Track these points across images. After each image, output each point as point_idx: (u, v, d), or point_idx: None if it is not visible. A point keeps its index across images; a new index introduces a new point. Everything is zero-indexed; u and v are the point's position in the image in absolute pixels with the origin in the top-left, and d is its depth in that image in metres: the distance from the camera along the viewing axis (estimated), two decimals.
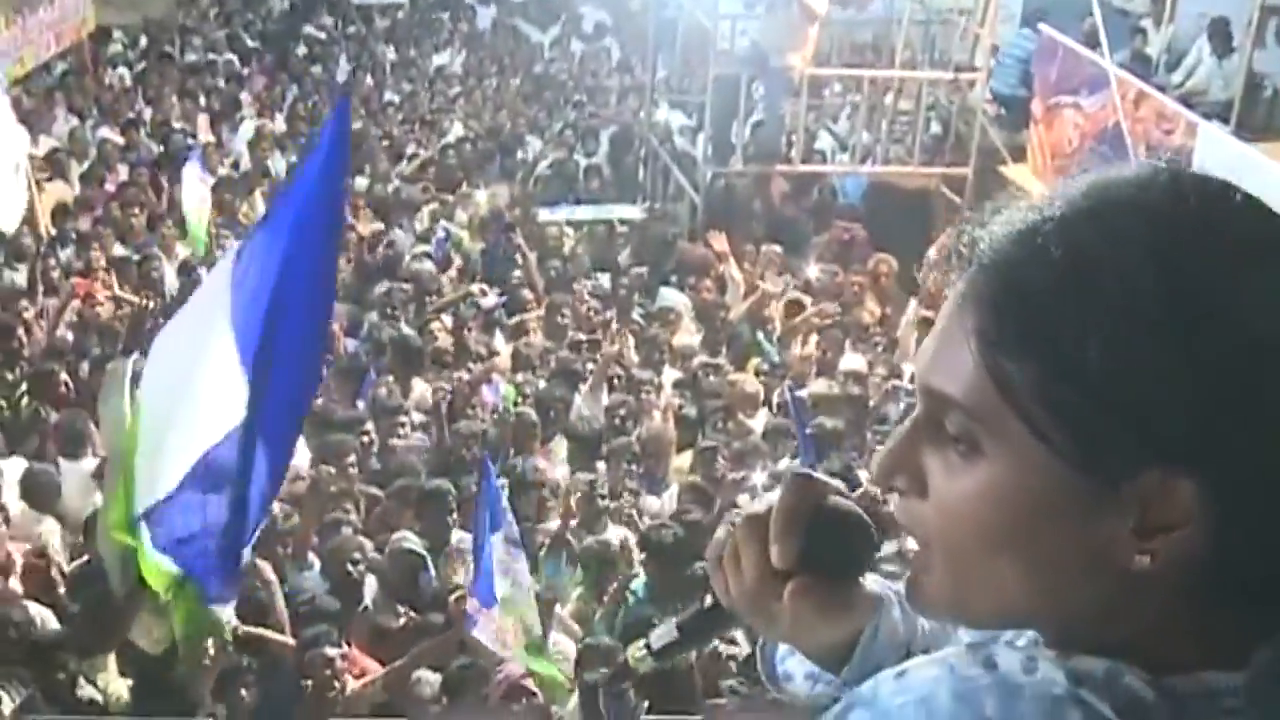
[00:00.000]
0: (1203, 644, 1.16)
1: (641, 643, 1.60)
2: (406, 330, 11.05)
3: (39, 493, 8.50)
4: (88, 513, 8.21)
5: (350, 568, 7.62)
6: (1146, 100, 12.24)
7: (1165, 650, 1.16)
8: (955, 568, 1.24)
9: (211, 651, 6.85)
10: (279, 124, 17.67)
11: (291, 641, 7.14)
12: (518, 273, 12.60)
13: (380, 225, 13.84)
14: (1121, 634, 1.18)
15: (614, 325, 11.33)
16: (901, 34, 15.88)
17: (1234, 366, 1.10)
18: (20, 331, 10.39)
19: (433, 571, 7.90)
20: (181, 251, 12.67)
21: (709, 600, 1.54)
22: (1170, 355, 1.10)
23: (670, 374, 10.85)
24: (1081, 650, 1.17)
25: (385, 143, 16.90)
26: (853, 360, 11.09)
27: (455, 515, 8.28)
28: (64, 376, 9.74)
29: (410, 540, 7.83)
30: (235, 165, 15.72)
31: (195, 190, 12.51)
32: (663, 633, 1.58)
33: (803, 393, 9.86)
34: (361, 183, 15.08)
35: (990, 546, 1.20)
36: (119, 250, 12.65)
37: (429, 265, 12.66)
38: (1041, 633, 1.27)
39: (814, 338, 11.56)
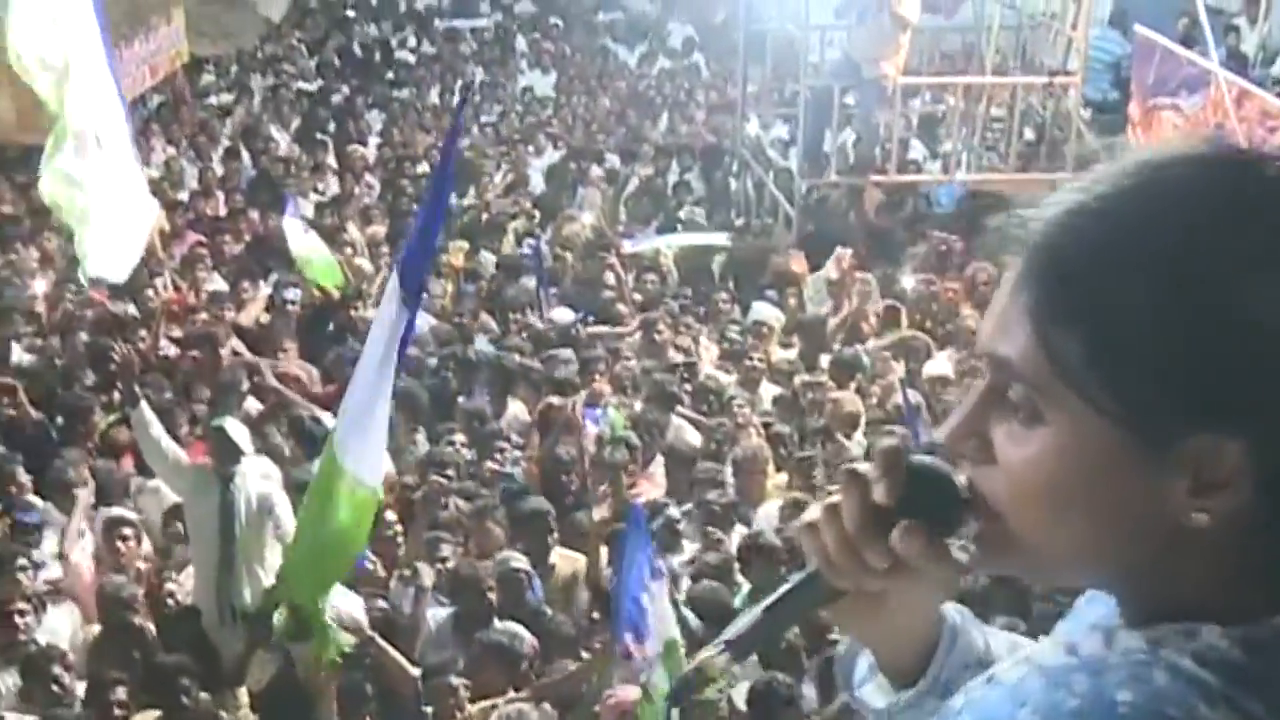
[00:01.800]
0: (1269, 592, 1.23)
1: (714, 642, 1.56)
2: (493, 348, 11.12)
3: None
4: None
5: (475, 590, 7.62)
6: (1249, 98, 12.06)
7: (1235, 602, 1.23)
8: (1023, 528, 1.31)
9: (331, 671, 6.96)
10: (369, 150, 17.76)
11: (415, 670, 7.14)
12: (608, 292, 12.61)
13: (468, 245, 13.90)
14: (1191, 592, 1.26)
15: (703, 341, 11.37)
16: (991, 40, 15.74)
17: (1273, 334, 1.17)
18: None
19: (540, 592, 7.91)
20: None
21: (796, 577, 1.53)
22: (1211, 325, 1.18)
23: (768, 390, 10.80)
24: (1155, 617, 1.27)
25: (475, 164, 16.97)
26: (938, 365, 10.99)
27: (555, 535, 8.30)
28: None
29: (516, 560, 7.84)
30: (324, 191, 15.85)
31: (303, 241, 12.57)
32: (741, 623, 1.55)
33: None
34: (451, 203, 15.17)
35: (1055, 508, 1.28)
36: (216, 279, 12.77)
37: (524, 283, 12.68)
38: (1113, 594, 1.36)
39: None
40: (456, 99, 20.15)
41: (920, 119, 16.81)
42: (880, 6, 13.46)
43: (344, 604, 7.44)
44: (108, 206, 10.56)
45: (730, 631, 1.55)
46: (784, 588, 1.53)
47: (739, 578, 8.01)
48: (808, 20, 14.44)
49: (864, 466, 1.43)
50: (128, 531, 8.26)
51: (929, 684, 1.57)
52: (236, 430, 8.05)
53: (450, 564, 7.96)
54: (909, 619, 1.57)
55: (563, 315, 11.83)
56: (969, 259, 13.10)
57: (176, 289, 12.03)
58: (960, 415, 1.35)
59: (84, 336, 11.01)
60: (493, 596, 7.60)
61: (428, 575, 7.72)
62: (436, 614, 7.71)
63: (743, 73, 16.98)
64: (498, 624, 7.38)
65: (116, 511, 8.49)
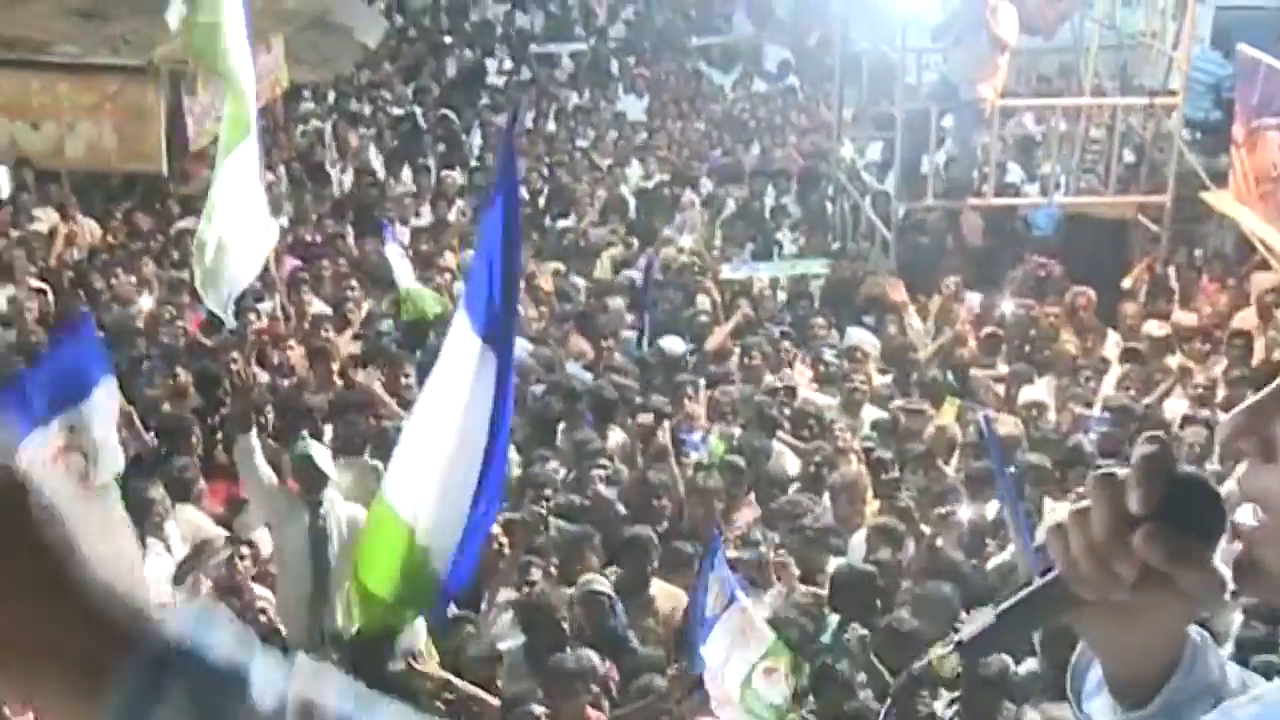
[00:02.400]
0: None
1: (945, 641, 1.50)
2: (587, 374, 11.15)
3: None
4: None
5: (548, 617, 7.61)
6: None
7: None
8: None
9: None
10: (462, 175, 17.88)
11: (494, 701, 7.14)
12: (704, 318, 12.60)
13: (561, 268, 13.97)
14: None
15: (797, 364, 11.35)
16: (1090, 61, 15.58)
17: None
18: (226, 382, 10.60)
19: (623, 617, 7.87)
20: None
21: (1036, 582, 1.45)
22: None
23: (867, 414, 10.74)
24: None
25: (570, 188, 17.05)
26: (1035, 391, 10.89)
27: (654, 564, 8.28)
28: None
29: (598, 583, 7.81)
30: (421, 215, 15.97)
31: (404, 267, 12.67)
32: (974, 624, 1.47)
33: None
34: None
35: None
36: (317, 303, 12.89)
37: (616, 308, 12.71)
38: None
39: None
40: (533, 122, 20.31)
41: (1017, 141, 16.69)
42: (978, 28, 13.39)
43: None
44: (231, 230, 10.71)
45: (964, 632, 1.48)
46: (1023, 592, 1.47)
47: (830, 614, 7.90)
48: (904, 43, 14.36)
49: (1119, 471, 1.36)
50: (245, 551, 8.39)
51: (1159, 707, 1.47)
52: (321, 456, 8.10)
53: (537, 588, 7.96)
54: (1151, 636, 1.47)
55: (672, 345, 11.81)
56: (1068, 283, 12.99)
57: (285, 316, 12.15)
58: (1243, 411, 1.31)
59: (187, 359, 11.19)
60: (566, 625, 7.56)
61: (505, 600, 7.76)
62: (511, 643, 7.72)
63: (838, 96, 16.94)
64: (570, 650, 7.35)
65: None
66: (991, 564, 8.44)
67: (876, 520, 8.78)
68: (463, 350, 6.76)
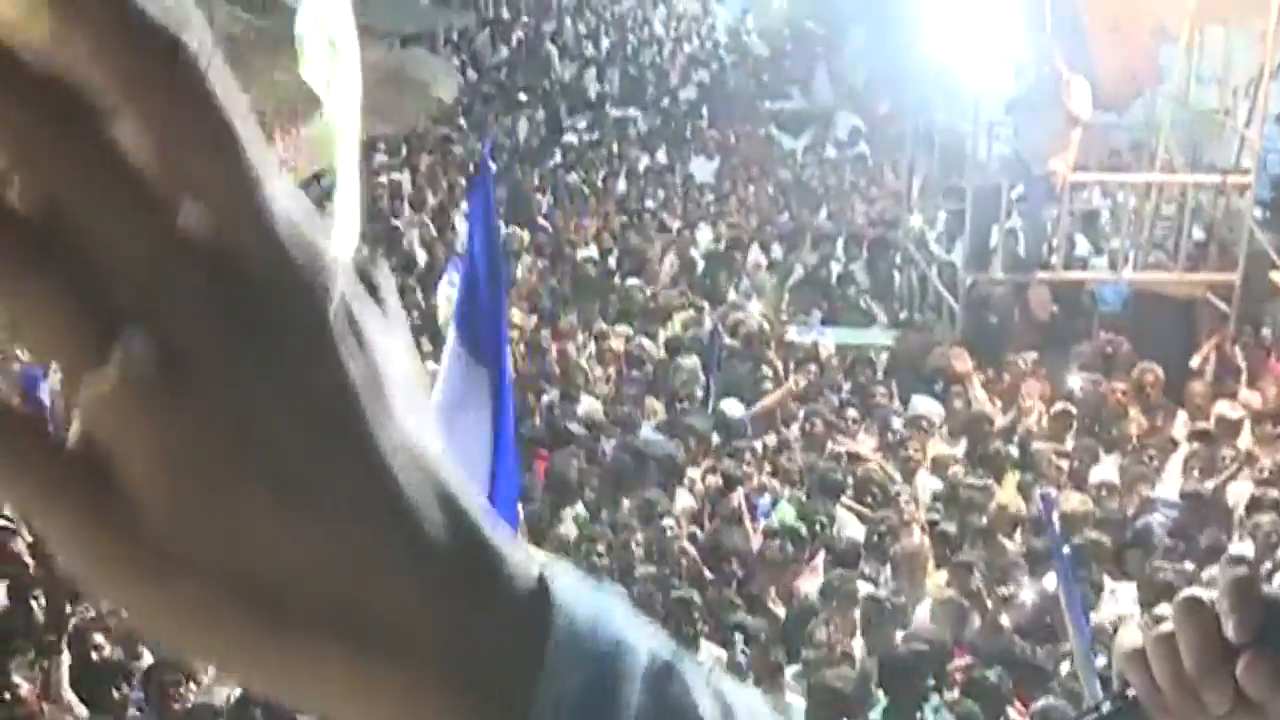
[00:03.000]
0: None
1: None
2: (661, 435, 11.17)
3: None
4: None
5: None
6: None
7: None
8: None
9: None
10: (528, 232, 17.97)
11: None
12: (768, 383, 12.62)
13: (630, 330, 14.03)
14: None
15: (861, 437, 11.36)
16: (1162, 137, 15.54)
17: None
18: None
19: None
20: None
21: (1107, 706, 1.38)
22: None
23: (929, 484, 10.71)
24: None
25: (639, 249, 17.12)
26: (1105, 471, 10.81)
27: (703, 627, 8.27)
28: None
29: None
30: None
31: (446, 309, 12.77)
32: None
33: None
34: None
35: None
36: None
37: (688, 369, 12.75)
38: None
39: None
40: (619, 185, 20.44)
41: (1086, 215, 16.65)
42: (1052, 103, 13.40)
43: None
44: None
45: None
46: (1094, 716, 1.39)
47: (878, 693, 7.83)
48: (977, 115, 14.39)
49: (1205, 594, 1.29)
50: None
51: None
52: None
53: None
54: None
55: (733, 409, 11.83)
56: (1135, 359, 12.92)
57: None
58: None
59: None
60: None
61: None
62: None
63: (909, 165, 16.97)
64: None
65: None
66: (1047, 647, 8.35)
67: (943, 594, 8.73)
68: (456, 371, 6.73)
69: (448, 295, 12.53)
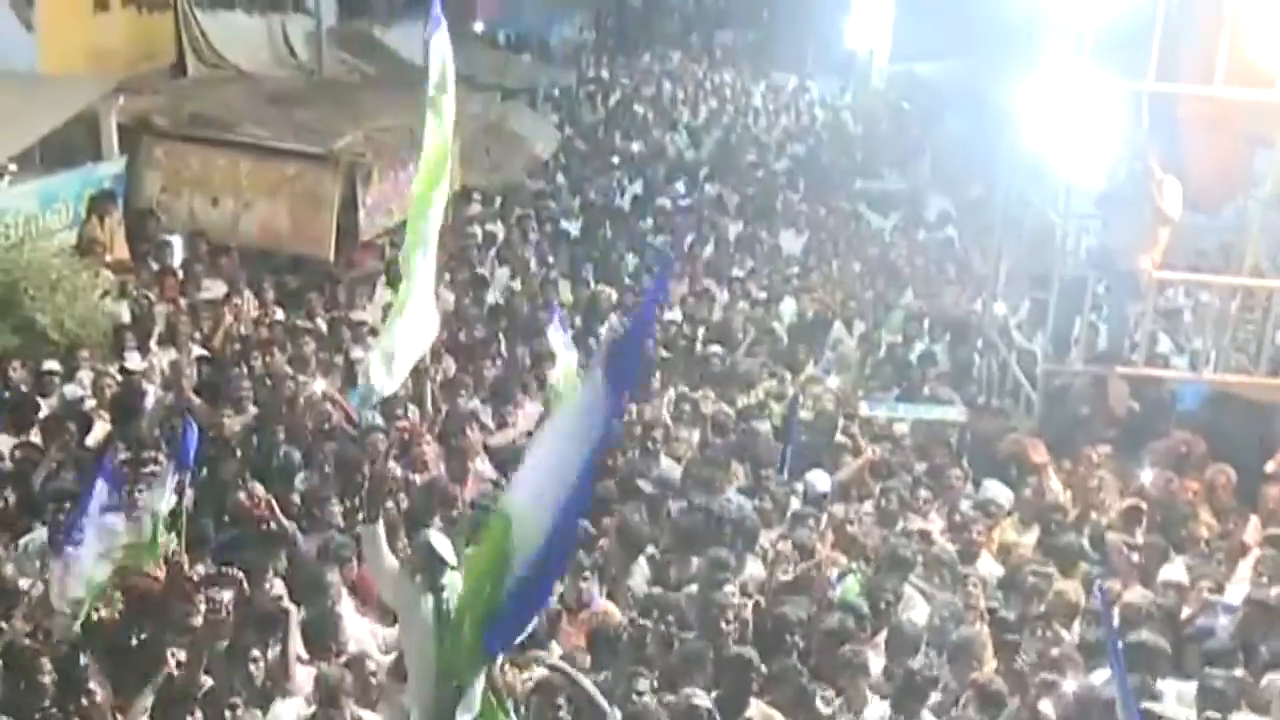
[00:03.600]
0: None
1: None
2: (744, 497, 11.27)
3: None
4: None
5: None
6: None
7: None
8: None
9: None
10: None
11: None
12: (845, 457, 12.70)
13: (714, 395, 14.15)
14: None
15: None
16: (1251, 241, 15.53)
17: None
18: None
19: None
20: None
21: None
22: None
23: (993, 570, 10.73)
24: None
25: (725, 318, 17.24)
26: (1174, 570, 10.76)
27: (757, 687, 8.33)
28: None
29: (698, 696, 7.89)
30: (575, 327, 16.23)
31: (564, 354, 12.92)
32: None
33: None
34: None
35: None
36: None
37: (768, 438, 12.86)
38: None
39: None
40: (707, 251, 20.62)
41: (1169, 313, 16.64)
42: (1142, 200, 13.45)
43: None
44: (406, 323, 11.00)
45: None
46: None
47: None
48: (1068, 207, 14.44)
49: None
50: None
51: None
52: (442, 544, 8.25)
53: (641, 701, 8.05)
54: None
55: (819, 480, 11.92)
56: (1210, 460, 12.89)
57: (435, 409, 12.42)
58: None
59: (331, 445, 11.55)
60: None
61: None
62: None
63: (997, 252, 17.05)
64: None
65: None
66: None
67: (982, 677, 8.71)
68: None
69: (563, 348, 12.68)
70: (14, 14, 16.37)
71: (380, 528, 8.30)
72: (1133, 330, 14.39)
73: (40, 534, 9.42)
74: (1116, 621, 9.13)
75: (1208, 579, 10.55)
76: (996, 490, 12.12)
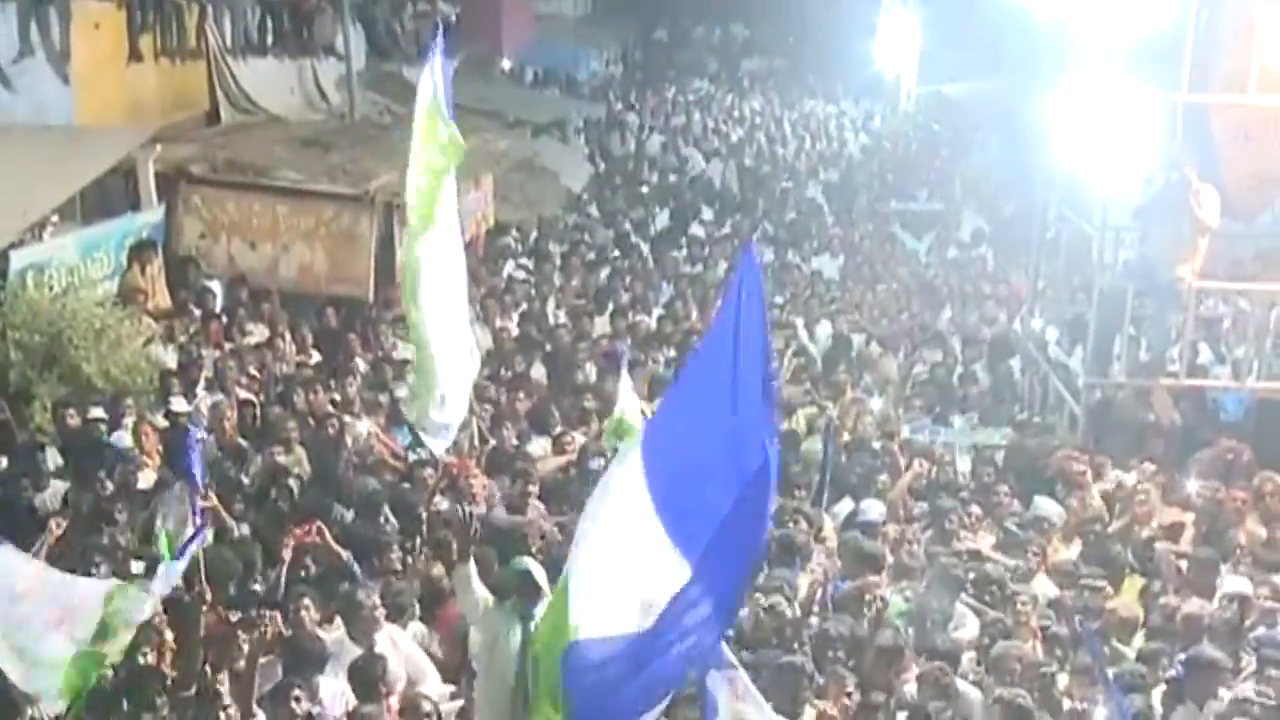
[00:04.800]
0: None
1: None
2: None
3: None
4: None
5: None
6: None
7: None
8: None
9: None
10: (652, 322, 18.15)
11: None
12: (884, 477, 12.67)
13: None
14: None
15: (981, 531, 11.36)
16: None
17: None
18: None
19: None
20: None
21: None
22: None
23: (1046, 589, 10.66)
24: None
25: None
26: (1237, 582, 10.67)
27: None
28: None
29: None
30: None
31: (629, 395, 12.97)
32: None
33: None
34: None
35: None
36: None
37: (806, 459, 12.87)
38: None
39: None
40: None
41: (1209, 323, 16.58)
42: (1180, 210, 13.43)
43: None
44: (444, 362, 11.00)
45: None
46: None
47: None
48: (1105, 220, 14.42)
49: None
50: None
51: None
52: (537, 570, 8.29)
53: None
54: None
55: (872, 509, 11.90)
56: (1256, 468, 12.82)
57: (483, 440, 12.45)
58: None
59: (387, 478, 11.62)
60: None
61: None
62: None
63: (1034, 268, 17.03)
64: None
65: None
66: None
67: (1008, 694, 8.58)
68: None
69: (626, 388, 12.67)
70: (50, 68, 16.55)
71: (471, 567, 8.31)
72: (1174, 341, 14.33)
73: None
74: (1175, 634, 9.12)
75: (1265, 588, 10.48)
76: (1048, 507, 12.06)
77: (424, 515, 10.72)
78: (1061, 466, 12.88)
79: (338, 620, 9.11)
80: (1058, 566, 11.00)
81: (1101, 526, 11.69)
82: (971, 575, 10.30)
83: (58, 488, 10.93)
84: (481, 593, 8.29)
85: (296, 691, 8.05)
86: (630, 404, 12.02)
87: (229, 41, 20.43)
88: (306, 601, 9.07)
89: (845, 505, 12.11)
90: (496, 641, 8.24)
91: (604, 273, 20.76)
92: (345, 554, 9.93)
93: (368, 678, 8.37)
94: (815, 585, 9.97)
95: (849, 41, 42.40)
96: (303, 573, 9.72)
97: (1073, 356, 15.62)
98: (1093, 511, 12.05)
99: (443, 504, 11.07)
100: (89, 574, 8.75)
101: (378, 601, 9.03)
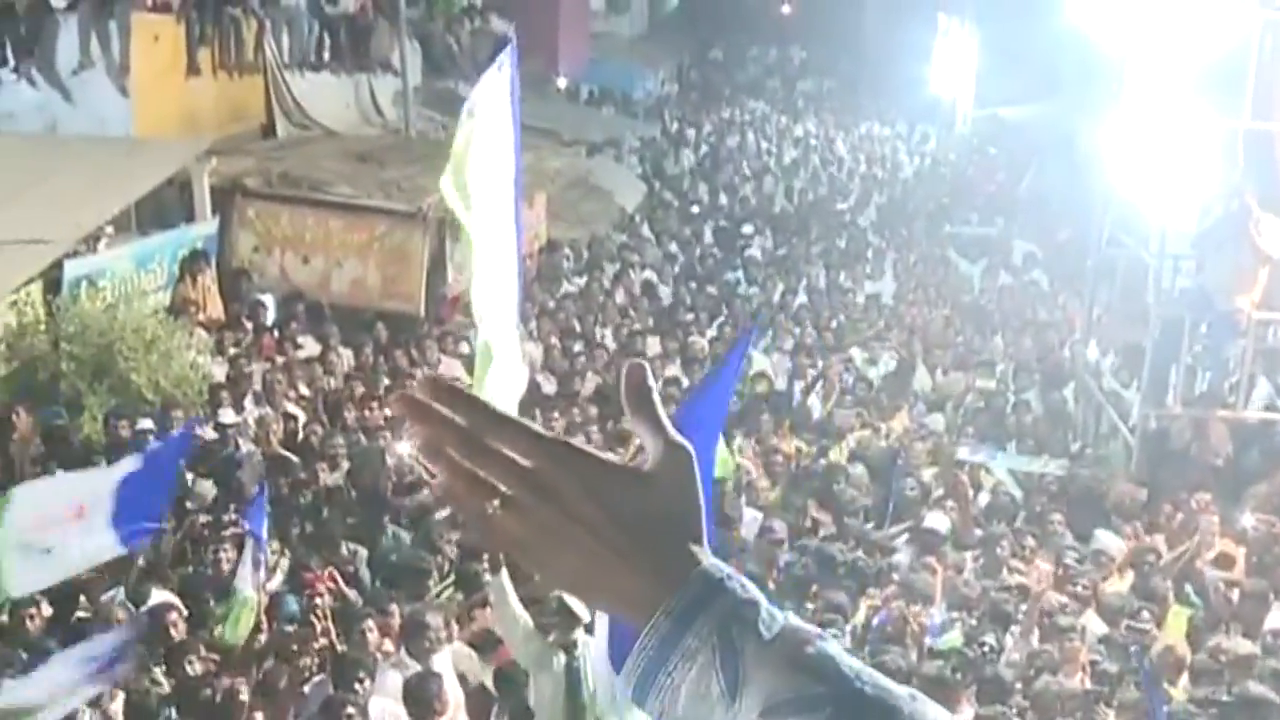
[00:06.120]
0: None
1: None
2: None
3: None
4: None
5: None
6: None
7: None
8: None
9: None
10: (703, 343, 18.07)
11: None
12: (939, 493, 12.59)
13: (801, 445, 14.07)
14: None
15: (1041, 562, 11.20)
16: None
17: None
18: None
19: None
20: None
21: None
22: None
23: (1096, 626, 10.51)
24: None
25: (801, 366, 17.16)
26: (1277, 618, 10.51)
27: None
28: None
29: None
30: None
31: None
32: None
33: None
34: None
35: None
36: None
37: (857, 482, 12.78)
38: None
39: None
40: (798, 301, 20.56)
41: (1269, 354, 16.36)
42: (1240, 239, 13.26)
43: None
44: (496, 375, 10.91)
45: None
46: None
47: None
48: (1163, 248, 14.26)
49: None
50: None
51: None
52: (575, 600, 8.22)
53: None
54: None
55: (936, 522, 11.79)
56: None
57: None
58: None
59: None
60: None
61: None
62: None
63: (1090, 295, 16.86)
64: None
65: None
66: None
67: None
68: None
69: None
70: (110, 80, 16.65)
71: (505, 578, 8.24)
72: (1232, 372, 14.14)
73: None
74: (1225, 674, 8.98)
75: None
76: (1108, 541, 11.90)
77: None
78: (1119, 498, 12.72)
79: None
80: (1106, 602, 10.84)
81: (1155, 558, 11.54)
82: (1022, 609, 10.18)
83: None
84: (519, 610, 8.21)
85: (350, 709, 8.03)
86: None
87: (286, 56, 20.53)
88: (370, 623, 9.08)
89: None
90: (537, 672, 8.16)
91: (658, 292, 20.75)
92: (353, 595, 9.87)
93: (423, 696, 8.34)
94: (871, 612, 9.91)
95: (905, 64, 42.26)
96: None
97: (1129, 386, 15.44)
98: (1147, 543, 11.92)
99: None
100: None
101: (442, 623, 9.01)
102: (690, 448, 1.45)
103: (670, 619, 1.37)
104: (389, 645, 9.08)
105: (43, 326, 12.90)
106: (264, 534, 9.35)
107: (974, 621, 10.07)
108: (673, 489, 1.43)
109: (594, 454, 1.43)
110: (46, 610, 9.02)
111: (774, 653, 1.36)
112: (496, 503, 1.40)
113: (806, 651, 1.36)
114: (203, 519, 10.71)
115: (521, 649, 8.31)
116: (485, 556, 8.86)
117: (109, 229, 14.62)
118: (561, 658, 8.01)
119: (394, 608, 9.39)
